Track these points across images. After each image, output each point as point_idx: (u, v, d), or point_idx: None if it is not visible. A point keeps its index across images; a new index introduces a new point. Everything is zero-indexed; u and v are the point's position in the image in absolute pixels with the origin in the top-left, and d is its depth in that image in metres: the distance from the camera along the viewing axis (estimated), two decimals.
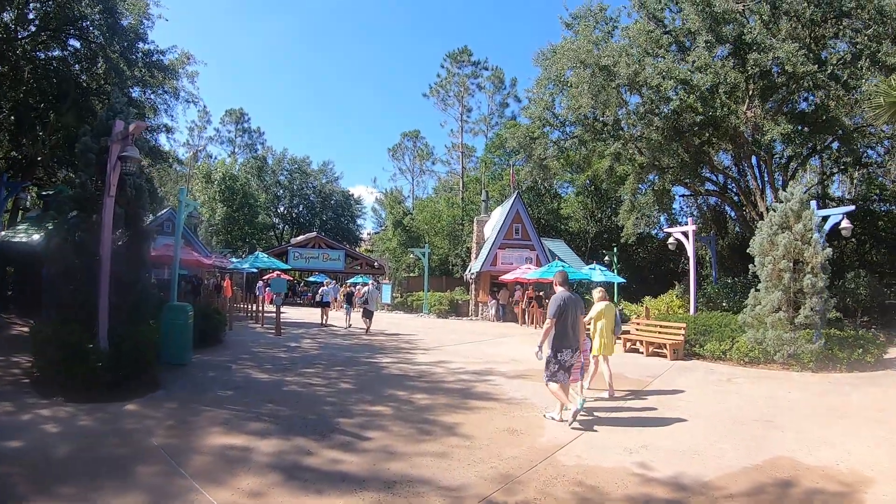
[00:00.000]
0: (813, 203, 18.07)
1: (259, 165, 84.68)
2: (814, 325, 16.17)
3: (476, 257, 39.81)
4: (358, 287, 35.81)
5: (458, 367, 15.25)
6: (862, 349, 16.06)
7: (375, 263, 56.71)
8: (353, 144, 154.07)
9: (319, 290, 32.26)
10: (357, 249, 73.41)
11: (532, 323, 30.14)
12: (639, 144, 29.25)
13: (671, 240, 25.15)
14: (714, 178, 35.06)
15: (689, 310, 30.12)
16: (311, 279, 55.95)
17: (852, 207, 21.14)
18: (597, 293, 12.61)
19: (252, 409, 9.67)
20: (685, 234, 23.36)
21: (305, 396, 10.93)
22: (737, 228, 43.85)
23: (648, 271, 48.07)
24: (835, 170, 37.99)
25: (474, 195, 63.47)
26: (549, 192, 58.40)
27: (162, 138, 36.69)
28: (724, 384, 13.62)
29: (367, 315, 24.98)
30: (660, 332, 19.50)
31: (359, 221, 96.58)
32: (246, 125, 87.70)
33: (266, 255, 28.95)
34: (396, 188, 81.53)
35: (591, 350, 11.93)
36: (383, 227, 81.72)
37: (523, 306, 32.37)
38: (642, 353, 19.07)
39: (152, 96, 31.95)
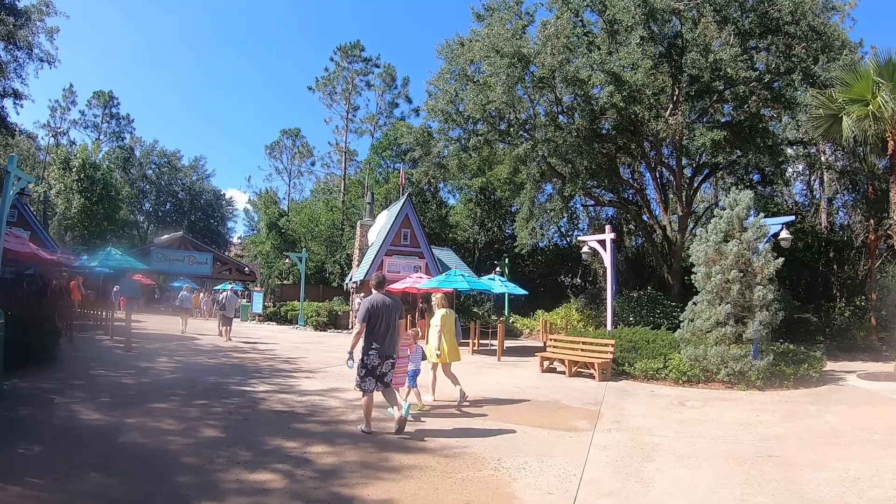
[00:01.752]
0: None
1: (126, 156, 79.50)
2: (761, 339, 15.29)
3: (358, 264, 36.56)
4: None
5: (358, 397, 11.97)
6: (807, 364, 15.57)
7: (246, 269, 53.08)
8: (227, 142, 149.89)
9: (179, 295, 30.45)
10: (227, 254, 69.05)
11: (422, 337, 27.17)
12: (549, 146, 27.03)
13: (585, 248, 23.25)
14: (618, 187, 33.47)
15: (589, 325, 28.39)
16: (177, 283, 51.33)
17: (792, 217, 20.06)
18: (436, 300, 12.44)
19: (64, 483, 6.22)
20: (601, 242, 21.40)
21: (152, 455, 7.44)
22: (633, 241, 42.61)
23: (538, 284, 46.00)
24: (738, 185, 36.94)
25: (356, 199, 60.14)
26: (436, 199, 56.03)
27: (8, 105, 32.21)
28: (681, 409, 12.02)
29: (226, 322, 24.88)
30: (583, 350, 17.47)
31: (229, 224, 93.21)
32: (115, 110, 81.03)
33: (120, 253, 24.89)
34: (272, 189, 77.91)
35: (422, 359, 11.75)
36: (255, 231, 77.91)
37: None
38: (563, 372, 17.22)
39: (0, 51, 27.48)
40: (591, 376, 16.19)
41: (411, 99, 65.92)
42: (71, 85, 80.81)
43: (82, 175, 61.26)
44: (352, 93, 65.86)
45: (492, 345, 26.09)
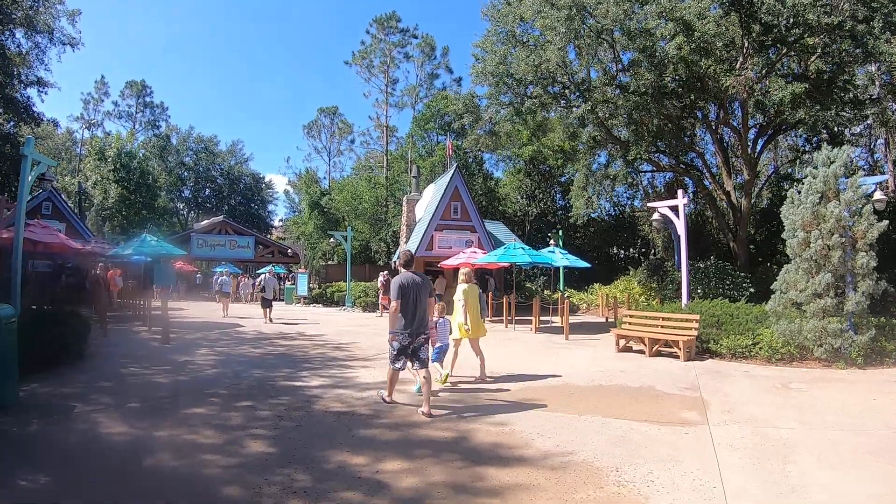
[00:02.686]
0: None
1: (162, 144, 78.67)
2: (863, 312, 13.58)
3: (406, 241, 34.72)
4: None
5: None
6: None
7: (289, 251, 51.74)
8: (264, 125, 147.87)
9: (217, 280, 31.76)
10: (269, 237, 67.80)
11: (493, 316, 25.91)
12: (608, 108, 25.13)
13: (655, 215, 21.65)
14: (679, 151, 31.44)
15: (651, 298, 26.73)
16: (218, 268, 50.26)
17: (885, 177, 17.94)
18: (462, 275, 12.19)
19: None
20: (673, 208, 19.65)
21: (184, 483, 5.85)
22: (689, 209, 40.63)
23: (591, 257, 43.89)
24: (807, 147, 34.54)
25: (398, 174, 58.83)
26: (482, 171, 54.28)
27: (33, 94, 31.13)
28: (788, 393, 10.57)
29: (266, 305, 24.80)
30: (663, 327, 15.88)
31: (270, 208, 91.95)
32: (148, 99, 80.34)
33: (155, 239, 23.43)
34: (311, 168, 76.42)
35: (450, 334, 11.52)
36: (297, 212, 76.64)
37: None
38: (640, 352, 15.83)
39: (21, 39, 26.37)
40: (674, 356, 14.77)
41: (452, 69, 64.07)
42: (102, 76, 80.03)
43: (118, 164, 60.53)
44: (390, 65, 63.70)
45: (553, 322, 24.46)
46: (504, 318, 23.54)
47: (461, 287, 11.93)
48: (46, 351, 11.57)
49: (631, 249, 47.73)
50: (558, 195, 51.66)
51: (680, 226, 19.18)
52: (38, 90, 31.09)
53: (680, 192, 19.49)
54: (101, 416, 8.39)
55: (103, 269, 29.55)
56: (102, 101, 77.79)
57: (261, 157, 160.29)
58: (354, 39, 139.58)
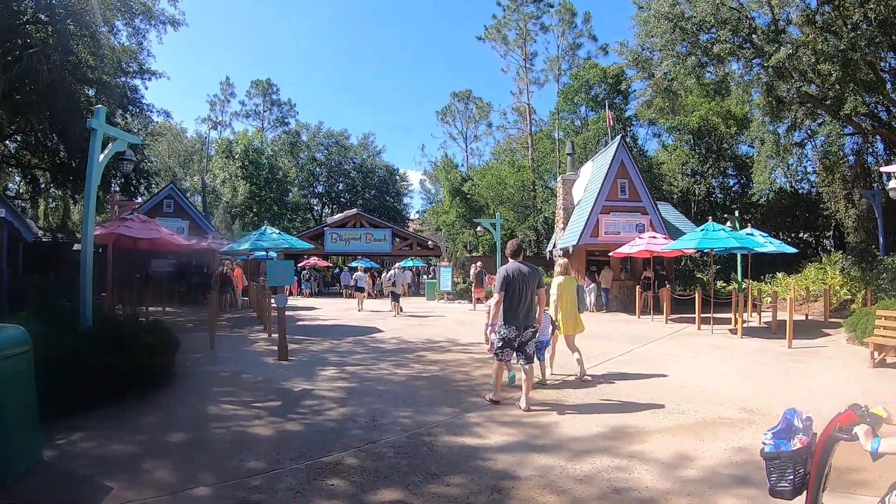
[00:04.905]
0: None
1: (292, 141, 77.73)
2: None
3: (564, 227, 30.03)
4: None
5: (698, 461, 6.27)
6: None
7: (430, 243, 47.79)
8: (395, 116, 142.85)
9: (354, 275, 30.74)
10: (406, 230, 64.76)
11: (662, 312, 21.38)
12: (810, 54, 20.20)
13: (892, 184, 17.50)
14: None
15: (858, 290, 23.02)
16: (354, 264, 47.55)
17: None
18: (558, 266, 11.40)
19: None
20: None
21: None
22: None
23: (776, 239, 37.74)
24: None
25: (543, 155, 54.07)
26: (637, 146, 48.75)
27: (140, 85, 29.65)
28: None
29: (395, 298, 25.10)
30: None
31: (405, 200, 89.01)
32: (275, 97, 79.29)
33: (276, 231, 20.10)
34: (448, 156, 72.38)
35: (557, 330, 10.87)
36: (434, 203, 73.54)
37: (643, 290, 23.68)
38: None
39: (119, 25, 25.73)
40: None
41: (596, 37, 57.37)
42: (227, 78, 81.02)
43: (245, 161, 60.14)
44: (527, 39, 58.19)
45: (750, 322, 19.94)
46: (697, 317, 18.74)
47: (556, 280, 11.21)
48: (107, 380, 8.33)
49: (814, 232, 41.53)
50: (730, 170, 45.75)
51: None
52: (142, 79, 29.89)
53: None
54: None
55: (229, 267, 27.35)
56: (229, 101, 78.35)
57: (393, 150, 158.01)
58: (485, 14, 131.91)
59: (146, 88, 30.94)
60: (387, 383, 10.27)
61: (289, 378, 10.58)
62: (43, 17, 20.53)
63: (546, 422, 7.74)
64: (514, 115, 65.77)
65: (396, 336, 17.07)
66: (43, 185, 34.57)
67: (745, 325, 17.95)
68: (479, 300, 28.34)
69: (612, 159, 26.58)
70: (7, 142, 28.04)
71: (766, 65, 21.97)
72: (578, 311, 11.43)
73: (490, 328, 9.59)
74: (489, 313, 10.04)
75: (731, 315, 19.17)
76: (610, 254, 24.79)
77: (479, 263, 32.16)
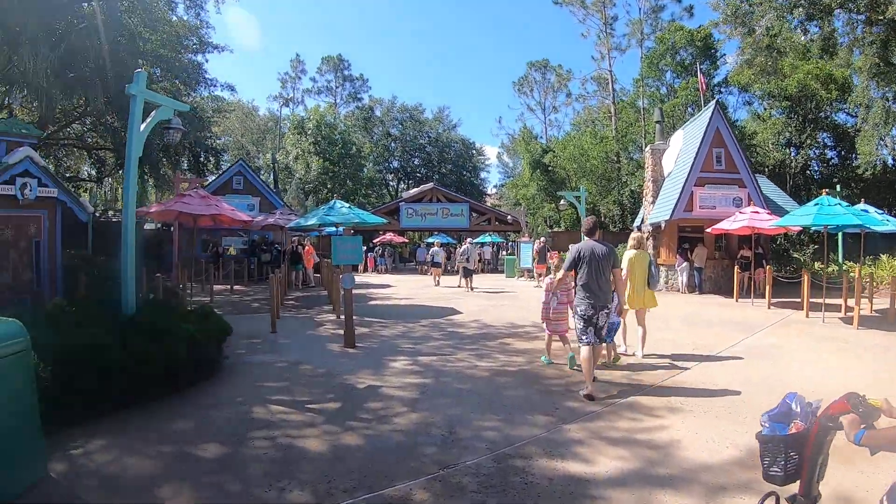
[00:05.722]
0: None
1: (365, 116, 76.74)
2: None
3: (653, 201, 27.86)
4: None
5: None
6: None
7: (509, 217, 45.96)
8: (469, 87, 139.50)
9: (430, 251, 30.28)
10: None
11: (761, 295, 19.48)
12: None
13: None
14: None
15: None
16: (430, 239, 46.24)
17: None
18: (631, 240, 11.05)
19: None
20: None
21: None
22: None
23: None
24: None
25: (627, 126, 51.34)
26: (726, 114, 45.52)
27: (202, 62, 30.00)
28: None
29: (467, 274, 25.12)
30: None
31: (482, 175, 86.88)
32: (347, 73, 78.23)
33: (347, 205, 18.80)
34: (527, 127, 69.67)
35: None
36: (511, 177, 71.67)
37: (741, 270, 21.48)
38: None
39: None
40: None
41: None
42: (297, 55, 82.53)
43: (318, 137, 59.46)
44: (606, 1, 55.46)
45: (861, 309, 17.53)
46: (805, 303, 16.63)
47: (628, 254, 10.88)
48: (137, 376, 7.18)
49: None
50: (828, 140, 42.46)
51: None
52: (202, 53, 29.84)
53: None
54: None
55: (300, 244, 26.87)
56: (300, 78, 77.79)
57: (469, 124, 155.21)
58: None
59: (206, 61, 30.58)
60: (467, 379, 8.77)
61: (354, 371, 9.22)
62: None
63: (663, 440, 6.12)
64: (594, 86, 63.43)
65: (476, 318, 15.54)
66: (109, 167, 34.54)
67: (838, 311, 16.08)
68: (540, 275, 26.73)
69: (707, 126, 24.35)
70: (76, 124, 28.01)
71: (879, 19, 19.63)
72: (650, 288, 10.90)
73: (545, 307, 9.59)
74: (547, 290, 9.84)
75: (839, 301, 17.06)
76: (708, 230, 22.64)
77: (542, 239, 31.07)
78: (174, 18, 26.32)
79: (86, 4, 19.67)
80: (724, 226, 20.70)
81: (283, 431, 6.33)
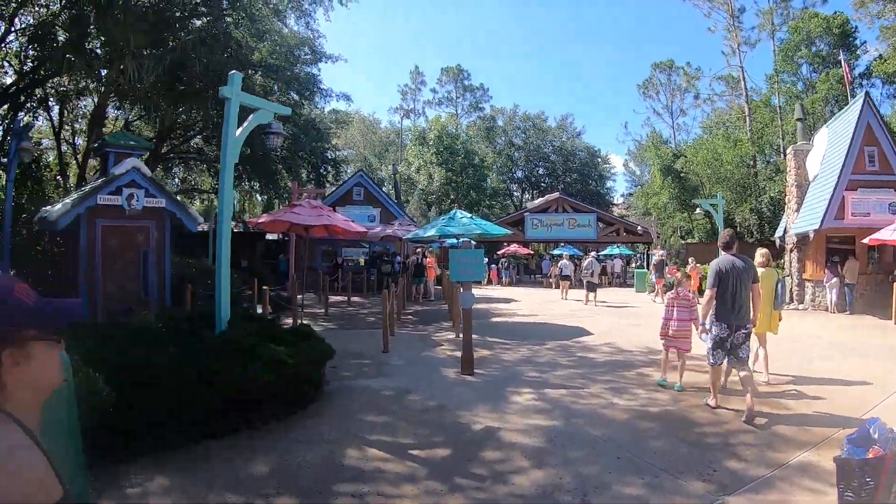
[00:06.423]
0: None
1: (487, 126, 76.27)
2: None
3: (797, 208, 25.35)
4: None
5: None
6: None
7: (638, 228, 44.12)
8: (591, 93, 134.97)
9: (560, 264, 29.23)
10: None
11: None
12: None
13: None
14: None
15: None
16: (557, 251, 44.84)
17: None
18: (759, 255, 10.14)
19: None
20: None
21: None
22: None
23: None
24: None
25: (762, 126, 47.84)
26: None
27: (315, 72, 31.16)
28: None
29: (591, 288, 24.11)
30: None
31: (608, 184, 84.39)
32: (467, 83, 78.58)
33: (468, 216, 17.79)
34: (656, 131, 67.94)
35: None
36: (639, 186, 69.31)
37: None
38: None
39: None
40: None
41: None
42: (416, 67, 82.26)
43: (440, 147, 59.59)
44: None
45: None
46: None
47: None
48: (216, 403, 6.57)
49: None
50: None
51: None
52: (314, 65, 30.87)
53: None
54: None
55: (422, 255, 27.04)
56: (419, 90, 79.17)
57: (593, 131, 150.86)
58: None
59: (319, 72, 30.94)
60: (602, 423, 7.31)
61: (469, 405, 8.01)
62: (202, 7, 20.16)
63: None
64: (721, 86, 60.60)
65: (608, 341, 13.96)
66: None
67: None
68: (660, 291, 25.16)
69: (857, 122, 21.81)
70: (197, 138, 28.59)
71: None
72: (775, 309, 10.11)
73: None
74: (668, 306, 9.50)
75: None
76: (864, 240, 20.11)
77: (661, 252, 29.41)
78: (284, 30, 26.86)
79: (197, 21, 19.94)
80: (885, 235, 18.44)
81: (374, 486, 5.27)
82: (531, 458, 6.02)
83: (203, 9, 19.71)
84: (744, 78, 53.22)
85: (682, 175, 48.95)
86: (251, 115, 9.17)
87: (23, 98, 19.79)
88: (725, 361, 8.00)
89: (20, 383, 1.55)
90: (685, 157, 50.09)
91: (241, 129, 8.92)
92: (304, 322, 11.32)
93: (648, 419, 7.47)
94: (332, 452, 6.15)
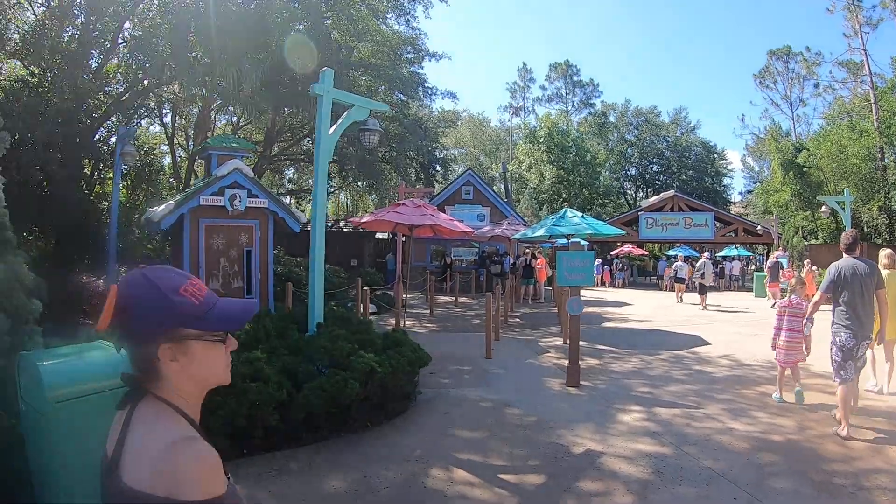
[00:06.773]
0: None
1: (599, 122, 74.58)
2: None
3: None
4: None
5: None
6: None
7: (758, 228, 42.34)
8: (705, 85, 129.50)
9: (674, 266, 28.90)
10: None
11: None
12: None
13: None
14: None
15: None
16: (673, 251, 43.75)
17: None
18: (883, 257, 9.35)
19: None
20: None
21: None
22: None
23: None
24: None
25: (891, 115, 43.28)
26: None
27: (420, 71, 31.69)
28: None
29: (703, 291, 23.60)
30: None
31: (725, 181, 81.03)
32: (576, 78, 77.24)
33: (579, 215, 17.15)
34: (775, 123, 64.44)
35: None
36: (759, 182, 66.30)
37: None
38: None
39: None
40: None
41: None
42: (524, 63, 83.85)
43: (551, 145, 58.50)
44: None
45: None
46: None
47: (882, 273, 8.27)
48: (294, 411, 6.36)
49: None
50: None
51: None
52: (418, 64, 30.89)
53: None
54: None
55: (532, 255, 26.62)
56: (528, 87, 78.45)
57: (708, 126, 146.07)
58: None
59: (422, 69, 31.03)
60: (717, 453, 6.46)
61: (571, 423, 7.37)
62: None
63: None
64: (843, 73, 56.87)
65: (726, 353, 12.89)
66: (342, 179, 36.10)
67: None
68: (775, 296, 23.85)
69: None
70: (307, 140, 29.27)
71: None
72: None
73: (776, 333, 8.46)
74: (779, 315, 8.68)
75: None
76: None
77: (776, 253, 28.40)
78: (386, 30, 26.80)
79: (299, 26, 20.12)
80: None
81: None
82: (634, 493, 5.35)
83: (300, 12, 19.93)
84: (868, 61, 49.97)
85: (804, 170, 46.04)
86: (345, 112, 9.09)
87: (136, 104, 20.44)
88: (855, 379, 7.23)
89: (182, 376, 1.61)
90: (808, 150, 46.57)
91: (334, 126, 8.86)
92: (407, 323, 11.15)
93: (770, 451, 6.54)
94: (417, 471, 5.77)
